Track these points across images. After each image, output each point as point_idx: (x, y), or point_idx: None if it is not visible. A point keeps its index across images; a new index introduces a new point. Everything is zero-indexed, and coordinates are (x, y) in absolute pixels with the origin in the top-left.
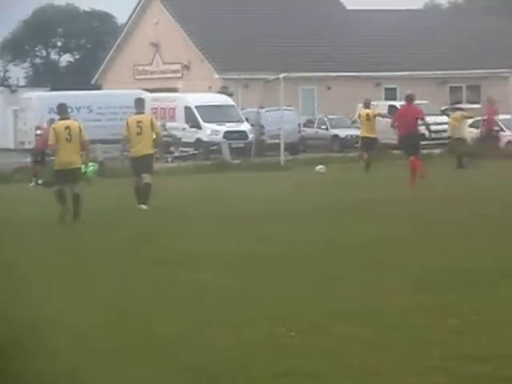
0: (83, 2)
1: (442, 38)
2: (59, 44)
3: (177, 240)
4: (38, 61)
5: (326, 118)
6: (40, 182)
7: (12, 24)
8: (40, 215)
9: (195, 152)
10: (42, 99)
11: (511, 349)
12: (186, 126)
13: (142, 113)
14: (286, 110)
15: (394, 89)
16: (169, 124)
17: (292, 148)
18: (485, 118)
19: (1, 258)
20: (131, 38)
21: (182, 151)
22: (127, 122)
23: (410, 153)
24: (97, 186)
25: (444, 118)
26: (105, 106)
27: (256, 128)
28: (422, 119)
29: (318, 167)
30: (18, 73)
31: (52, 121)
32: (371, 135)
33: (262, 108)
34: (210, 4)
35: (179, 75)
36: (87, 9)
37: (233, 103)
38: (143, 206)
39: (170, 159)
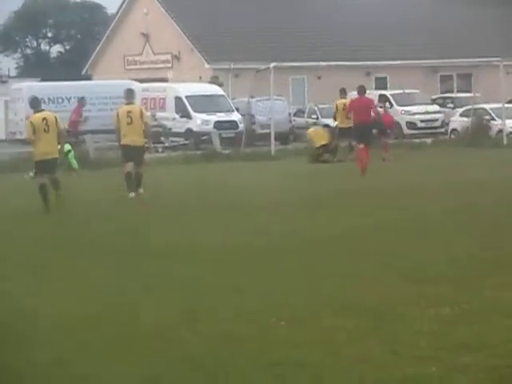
0: None
1: (433, 27)
2: (50, 35)
3: (165, 231)
4: (28, 51)
5: (316, 108)
6: (31, 173)
7: (3, 15)
8: (26, 206)
9: (185, 142)
10: (32, 90)
11: (502, 338)
12: (177, 116)
13: (133, 103)
14: (277, 99)
15: (385, 78)
16: (159, 114)
17: (282, 138)
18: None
19: None
20: (121, 29)
21: (172, 141)
22: (117, 113)
23: (361, 142)
24: (85, 177)
25: (435, 107)
26: (95, 96)
27: (246, 118)
28: (373, 109)
29: None
30: (8, 63)
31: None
32: (349, 125)
33: (252, 98)
34: None
35: (169, 65)
36: None
37: (223, 93)
38: (140, 190)
39: (160, 149)
